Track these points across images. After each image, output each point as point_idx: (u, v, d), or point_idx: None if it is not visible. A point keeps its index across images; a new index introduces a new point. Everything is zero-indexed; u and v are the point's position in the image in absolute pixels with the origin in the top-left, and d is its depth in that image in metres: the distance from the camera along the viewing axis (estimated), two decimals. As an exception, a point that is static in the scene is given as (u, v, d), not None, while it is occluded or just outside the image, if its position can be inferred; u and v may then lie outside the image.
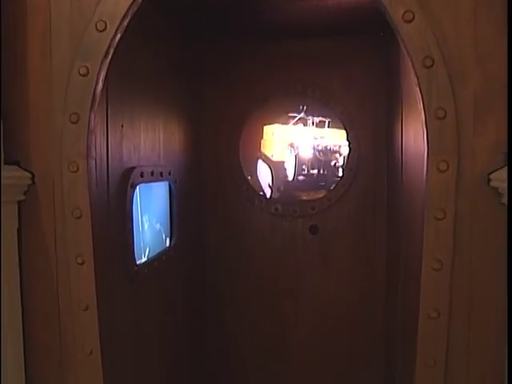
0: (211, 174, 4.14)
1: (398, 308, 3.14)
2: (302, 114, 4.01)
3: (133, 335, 2.58)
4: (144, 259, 2.78)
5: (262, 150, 4.12)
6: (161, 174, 2.98)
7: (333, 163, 4.17)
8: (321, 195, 4.04)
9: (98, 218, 2.05)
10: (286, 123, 4.09)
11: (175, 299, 3.39)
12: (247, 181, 4.11)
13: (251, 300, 4.13)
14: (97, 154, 2.09)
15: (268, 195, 4.11)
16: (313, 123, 4.07)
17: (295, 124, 4.07)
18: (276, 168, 4.15)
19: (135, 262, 2.59)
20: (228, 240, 4.16)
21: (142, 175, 2.65)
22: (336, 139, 4.05)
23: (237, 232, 4.14)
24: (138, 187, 2.61)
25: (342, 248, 4.02)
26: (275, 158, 4.15)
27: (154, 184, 2.98)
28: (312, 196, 4.07)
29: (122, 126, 2.46)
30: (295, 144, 4.08)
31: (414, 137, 2.47)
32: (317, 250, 4.05)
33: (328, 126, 4.08)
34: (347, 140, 4.01)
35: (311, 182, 4.16)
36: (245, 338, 4.15)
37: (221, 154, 4.12)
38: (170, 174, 3.16)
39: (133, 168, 2.55)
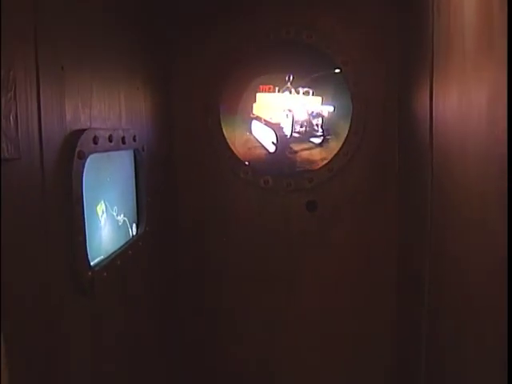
0: (187, 142, 3.41)
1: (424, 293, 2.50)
2: (288, 84, 3.37)
3: (88, 366, 1.85)
4: (100, 258, 2.04)
5: (256, 113, 3.46)
6: (122, 140, 2.22)
7: (315, 123, 3.45)
8: (313, 148, 3.42)
9: (24, 209, 1.31)
10: (272, 88, 3.44)
11: (148, 301, 2.67)
12: (230, 149, 3.38)
13: (238, 292, 3.46)
14: (18, 108, 1.34)
15: (272, 150, 3.47)
16: (297, 92, 3.41)
17: (282, 92, 3.44)
18: (275, 128, 3.48)
19: (89, 264, 1.84)
20: (209, 221, 3.46)
21: (95, 141, 1.88)
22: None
23: (219, 210, 3.45)
24: (89, 158, 1.84)
25: (344, 228, 3.37)
26: (274, 121, 3.47)
27: (113, 154, 2.22)
28: (304, 146, 3.43)
29: (63, 69, 1.68)
30: (292, 109, 3.43)
31: (460, 98, 1.74)
32: (315, 230, 3.40)
33: (312, 95, 3.39)
34: (351, 98, 3.31)
35: (303, 138, 3.45)
36: (233, 334, 3.54)
37: (197, 118, 3.39)
38: (134, 139, 2.40)
39: (81, 131, 1.78)
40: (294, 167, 3.44)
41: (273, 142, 3.44)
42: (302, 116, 3.42)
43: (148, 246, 2.59)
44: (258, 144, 3.47)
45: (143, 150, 2.55)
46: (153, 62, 2.90)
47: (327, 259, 3.35)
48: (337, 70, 3.30)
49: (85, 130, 1.81)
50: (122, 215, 2.39)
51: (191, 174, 3.41)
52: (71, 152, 1.71)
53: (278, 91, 3.40)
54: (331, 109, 3.36)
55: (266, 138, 3.47)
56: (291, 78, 3.37)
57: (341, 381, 3.44)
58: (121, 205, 2.37)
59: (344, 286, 3.37)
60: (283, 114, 3.42)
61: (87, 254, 1.82)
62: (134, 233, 2.54)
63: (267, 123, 3.44)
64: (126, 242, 2.38)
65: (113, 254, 2.17)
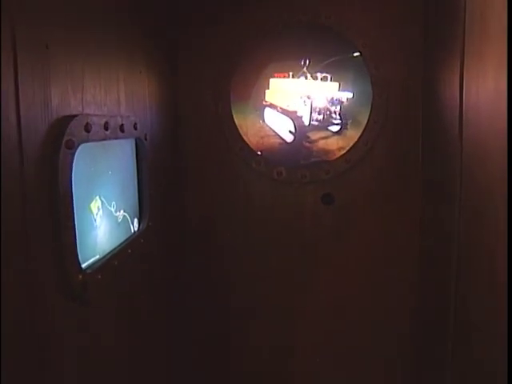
0: (195, 131, 3.19)
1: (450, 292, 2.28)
2: (304, 69, 3.13)
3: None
4: (94, 259, 1.85)
5: (269, 100, 3.22)
6: (121, 128, 2.02)
7: (333, 110, 3.20)
8: (330, 137, 3.18)
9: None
10: (286, 72, 3.19)
11: (150, 304, 2.48)
12: (241, 138, 3.17)
13: (250, 291, 3.26)
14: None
15: (289, 140, 3.22)
16: (314, 78, 3.17)
17: (298, 77, 3.19)
18: (292, 117, 3.23)
19: (80, 266, 1.65)
20: (218, 215, 3.25)
21: (87, 128, 1.68)
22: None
23: (229, 204, 3.23)
24: (81, 148, 1.64)
25: (362, 223, 3.15)
26: (291, 108, 3.23)
27: (111, 143, 2.02)
28: (321, 135, 3.19)
29: (48, 47, 1.48)
30: (310, 95, 3.18)
31: (498, 83, 1.51)
32: (331, 225, 3.17)
33: (331, 80, 3.15)
34: (371, 83, 3.07)
35: (321, 126, 3.21)
36: (245, 336, 3.33)
37: (207, 105, 3.16)
38: (135, 127, 2.20)
39: (71, 117, 1.58)
40: (309, 158, 3.21)
41: (290, 132, 3.22)
42: (320, 103, 3.18)
43: (150, 244, 2.40)
44: (272, 133, 3.25)
45: (145, 140, 2.35)
46: (158, 43, 2.70)
47: (343, 256, 3.15)
48: (356, 54, 3.07)
49: (75, 116, 1.60)
50: (121, 211, 2.20)
51: (199, 165, 3.19)
52: (58, 141, 1.51)
53: (293, 77, 3.17)
54: (350, 95, 3.13)
55: (281, 127, 3.23)
56: (307, 62, 3.14)
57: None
58: (120, 199, 2.17)
59: (360, 284, 3.15)
60: (300, 101, 3.20)
61: (77, 256, 1.62)
62: (136, 229, 2.34)
63: (284, 111, 3.22)
64: (126, 240, 2.18)
65: (110, 253, 1.98)
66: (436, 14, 2.69)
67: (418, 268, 3.03)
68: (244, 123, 3.20)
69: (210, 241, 3.24)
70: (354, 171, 3.09)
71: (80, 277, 1.64)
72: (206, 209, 3.23)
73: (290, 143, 3.21)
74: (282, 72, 3.17)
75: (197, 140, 3.18)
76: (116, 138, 1.99)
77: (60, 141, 1.51)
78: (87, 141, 1.70)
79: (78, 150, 1.63)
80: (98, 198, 1.93)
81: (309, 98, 3.18)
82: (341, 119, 3.17)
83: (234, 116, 3.16)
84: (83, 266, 1.71)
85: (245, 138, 3.17)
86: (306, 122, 3.19)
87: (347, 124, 3.15)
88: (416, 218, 3.04)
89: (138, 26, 2.36)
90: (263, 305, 3.24)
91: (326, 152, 3.19)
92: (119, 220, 2.18)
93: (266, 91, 3.20)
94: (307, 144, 3.21)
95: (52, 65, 1.50)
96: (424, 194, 2.99)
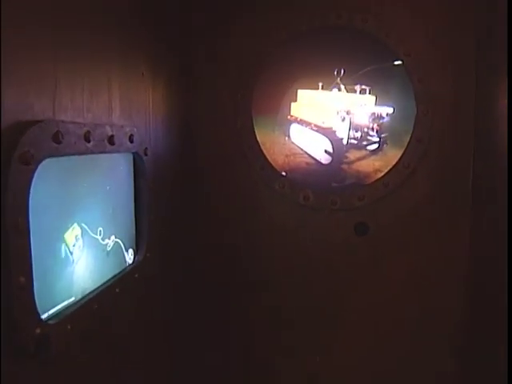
0: (210, 147, 2.81)
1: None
2: (337, 80, 2.76)
3: None
4: (67, 302, 1.47)
5: (298, 114, 2.84)
6: (110, 140, 1.65)
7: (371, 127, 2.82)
8: (365, 158, 2.79)
9: None
10: (316, 85, 2.79)
11: (143, 359, 2.08)
12: (264, 156, 2.79)
13: (269, 334, 2.85)
14: None
15: (325, 162, 2.83)
16: (350, 90, 2.79)
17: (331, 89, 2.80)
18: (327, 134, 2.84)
19: (37, 316, 1.27)
20: (234, 246, 2.84)
21: (57, 139, 1.32)
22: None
23: (247, 233, 2.83)
24: (47, 163, 1.28)
25: (403, 258, 2.72)
26: (326, 125, 2.84)
27: (100, 157, 1.66)
28: (357, 155, 2.79)
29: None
30: (351, 111, 2.80)
31: None
32: (365, 259, 2.76)
33: (369, 93, 2.78)
34: (415, 97, 2.68)
35: (357, 145, 2.82)
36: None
37: (225, 118, 2.79)
38: (131, 140, 1.83)
39: (29, 123, 1.21)
40: (341, 181, 2.81)
41: (326, 151, 2.82)
42: (361, 119, 2.80)
43: (147, 280, 2.02)
44: (299, 151, 2.86)
45: (145, 155, 1.98)
46: (167, 42, 2.34)
47: (381, 296, 2.75)
48: (397, 63, 2.69)
49: (37, 122, 1.23)
50: (112, 237, 1.82)
51: (215, 186, 2.83)
52: (7, 154, 1.14)
53: (322, 88, 2.78)
54: (390, 110, 2.74)
55: (314, 146, 2.84)
56: (341, 72, 2.75)
57: None
58: (110, 224, 1.80)
59: (400, 333, 2.72)
60: (338, 116, 2.82)
61: (34, 303, 1.24)
62: (130, 261, 1.97)
63: (318, 128, 2.83)
64: (116, 275, 1.80)
65: (91, 294, 1.60)
66: (489, 23, 2.36)
67: (469, 314, 2.61)
68: (267, 139, 2.82)
69: (224, 272, 2.83)
70: (393, 197, 2.71)
71: (38, 330, 1.26)
72: (220, 238, 2.83)
73: (325, 164, 2.82)
74: (312, 83, 2.79)
75: (212, 157, 2.81)
76: (102, 152, 1.62)
77: (10, 153, 1.14)
78: (57, 154, 1.33)
79: (42, 166, 1.25)
80: (76, 225, 1.56)
81: (348, 113, 2.80)
82: (379, 137, 2.78)
83: (256, 131, 2.79)
84: (47, 314, 1.34)
85: (267, 156, 2.80)
86: (344, 141, 2.80)
87: (386, 143, 2.76)
88: (465, 253, 2.64)
89: (141, 19, 2.01)
90: (284, 349, 2.82)
91: (361, 174, 2.79)
92: (108, 248, 1.80)
93: (293, 104, 2.82)
94: (344, 165, 2.81)
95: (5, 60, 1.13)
96: (474, 226, 2.59)
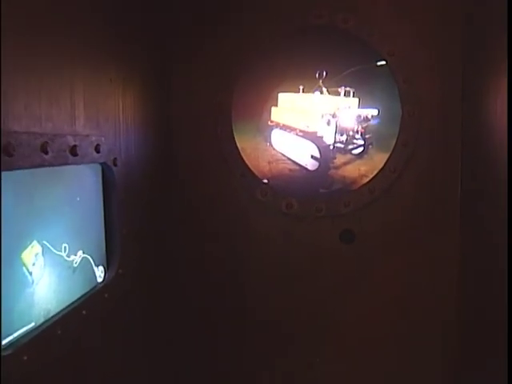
0: (189, 154, 2.71)
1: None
2: (319, 83, 2.66)
3: None
4: (26, 329, 1.34)
5: (279, 119, 2.74)
6: (72, 151, 1.52)
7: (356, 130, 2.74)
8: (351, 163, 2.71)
9: None
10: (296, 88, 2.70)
11: None
12: (244, 163, 2.69)
13: (253, 351, 2.73)
14: None
15: (312, 168, 2.73)
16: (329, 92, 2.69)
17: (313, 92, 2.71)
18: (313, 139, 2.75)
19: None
20: (214, 260, 2.73)
21: (8, 151, 1.21)
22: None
23: (228, 243, 2.72)
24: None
25: (390, 266, 2.65)
26: (311, 129, 2.74)
27: (63, 169, 1.54)
28: (342, 160, 2.70)
29: None
30: (336, 114, 2.71)
31: None
32: (352, 268, 2.68)
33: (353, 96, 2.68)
34: (400, 99, 2.60)
35: (342, 149, 2.73)
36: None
37: (204, 124, 2.69)
38: (98, 150, 1.71)
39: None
40: (328, 186, 2.72)
41: (313, 157, 2.73)
42: (347, 122, 2.70)
43: (120, 299, 1.89)
44: (282, 157, 2.77)
45: (115, 165, 1.85)
46: (141, 46, 2.22)
47: (369, 306, 2.66)
48: (381, 63, 2.61)
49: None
50: (79, 253, 1.70)
51: (194, 195, 2.72)
52: None
53: (303, 91, 2.69)
54: (375, 112, 2.66)
55: (299, 152, 2.74)
56: (323, 74, 2.66)
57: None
58: (76, 240, 1.68)
59: (390, 345, 2.63)
60: (322, 120, 2.72)
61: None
62: (100, 279, 1.84)
63: (304, 133, 2.74)
64: (84, 295, 1.68)
65: (54, 317, 1.47)
66: (477, 19, 2.32)
67: (459, 316, 2.54)
68: (248, 145, 2.73)
69: (204, 292, 2.72)
70: (379, 203, 2.63)
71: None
72: (200, 250, 2.72)
73: (311, 171, 2.73)
74: (292, 86, 2.70)
75: (191, 165, 2.71)
76: (63, 164, 1.49)
77: None
78: (8, 168, 1.21)
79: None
80: (36, 242, 1.43)
81: (334, 116, 2.71)
82: (364, 140, 2.69)
83: (236, 137, 2.69)
84: (3, 342, 1.21)
85: (248, 162, 2.70)
86: (331, 145, 2.72)
87: (370, 146, 2.68)
88: (455, 259, 2.57)
89: (110, 29, 1.89)
90: (269, 367, 2.70)
91: (347, 180, 2.71)
92: (75, 265, 1.68)
93: (274, 109, 2.73)
94: (331, 171, 2.72)
95: None
96: (463, 231, 2.51)
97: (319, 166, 2.72)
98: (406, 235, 2.61)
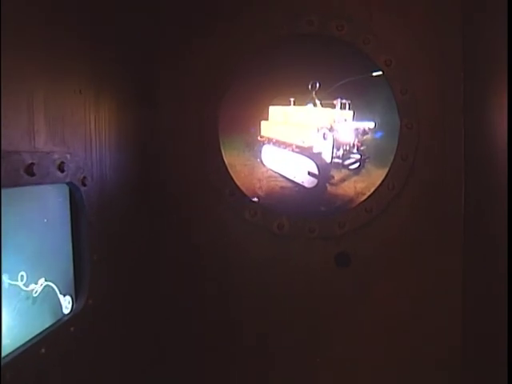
0: (173, 172, 2.55)
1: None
2: (313, 94, 2.53)
3: None
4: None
5: (271, 133, 2.63)
6: (28, 170, 1.36)
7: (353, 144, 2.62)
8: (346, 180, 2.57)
9: None
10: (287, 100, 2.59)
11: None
12: (232, 180, 2.53)
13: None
14: None
15: (309, 185, 2.60)
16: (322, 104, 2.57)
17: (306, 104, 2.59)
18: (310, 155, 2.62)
19: None
20: (200, 286, 2.55)
21: None
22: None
23: (215, 270, 2.55)
24: None
25: (389, 290, 2.47)
26: (306, 144, 2.62)
27: (19, 190, 1.38)
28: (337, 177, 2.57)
29: None
30: (334, 127, 2.59)
31: None
32: (350, 294, 2.51)
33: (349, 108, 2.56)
34: (398, 111, 2.45)
35: (339, 165, 2.60)
36: None
37: (189, 139, 2.53)
38: (62, 168, 1.54)
39: None
40: (322, 205, 2.57)
41: (310, 173, 2.60)
42: (345, 136, 2.57)
43: (88, 334, 1.70)
44: (273, 174, 2.62)
45: (83, 185, 1.68)
46: (116, 53, 2.06)
47: (367, 333, 2.48)
48: (377, 73, 2.47)
49: None
50: (40, 281, 1.54)
51: (178, 217, 2.55)
52: None
53: (294, 104, 2.57)
54: (371, 125, 2.53)
55: (294, 169, 2.60)
56: (316, 85, 2.52)
57: None
58: (37, 267, 1.52)
59: (390, 375, 2.44)
60: (319, 134, 2.59)
61: None
62: (68, 310, 1.66)
63: (300, 149, 2.61)
64: (46, 329, 1.50)
65: (4, 358, 1.30)
66: (478, 26, 2.21)
67: (461, 345, 2.37)
68: (236, 162, 2.58)
69: (190, 319, 2.54)
70: (377, 223, 2.47)
71: None
72: (184, 274, 2.54)
73: (307, 188, 2.60)
74: (283, 99, 2.58)
75: (175, 183, 2.54)
76: (15, 185, 1.32)
77: None
78: None
79: None
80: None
81: (331, 130, 2.58)
82: (360, 154, 2.57)
83: (224, 152, 2.54)
84: None
85: (236, 180, 2.54)
86: (328, 161, 2.58)
87: (367, 161, 2.54)
88: (457, 284, 2.40)
89: (77, 36, 1.73)
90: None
91: (341, 198, 2.55)
92: (35, 294, 1.51)
93: (264, 123, 2.60)
94: (329, 188, 2.58)
95: None
96: (466, 252, 2.37)
97: (318, 183, 2.58)
98: (405, 258, 2.45)
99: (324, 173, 2.57)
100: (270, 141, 2.62)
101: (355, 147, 2.56)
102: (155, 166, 2.47)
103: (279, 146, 2.64)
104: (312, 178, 2.59)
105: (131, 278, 2.16)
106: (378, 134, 2.53)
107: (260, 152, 2.60)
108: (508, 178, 1.73)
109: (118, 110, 2.06)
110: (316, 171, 2.58)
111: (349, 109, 2.54)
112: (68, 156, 1.59)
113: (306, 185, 2.60)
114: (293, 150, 2.63)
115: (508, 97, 1.71)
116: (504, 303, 1.70)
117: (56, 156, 1.52)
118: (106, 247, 1.85)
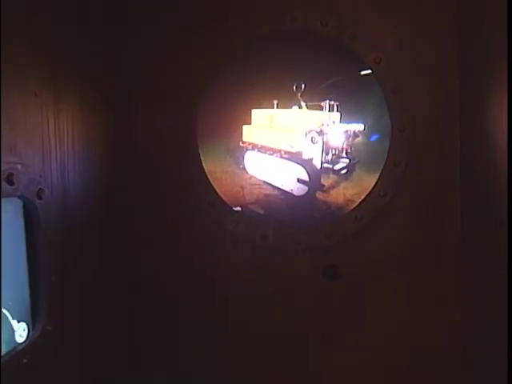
0: (147, 180, 2.39)
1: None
2: (298, 96, 2.40)
3: None
4: None
5: (250, 139, 2.49)
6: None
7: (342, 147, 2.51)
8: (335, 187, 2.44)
9: None
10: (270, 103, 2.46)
11: None
12: (213, 188, 2.38)
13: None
14: None
15: (299, 193, 2.47)
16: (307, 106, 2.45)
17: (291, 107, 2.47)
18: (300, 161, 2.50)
19: None
20: (176, 304, 2.39)
21: None
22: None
23: (193, 282, 2.38)
24: None
25: (381, 305, 2.33)
26: (295, 149, 2.49)
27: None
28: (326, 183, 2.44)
29: None
30: (324, 131, 2.47)
31: None
32: (337, 309, 2.36)
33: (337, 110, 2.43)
34: (389, 112, 2.32)
35: (327, 170, 2.48)
36: None
37: (165, 145, 2.38)
38: (10, 180, 1.37)
39: None
40: (305, 215, 2.42)
41: (300, 180, 2.45)
42: (335, 140, 2.45)
43: (46, 366, 1.52)
44: (257, 181, 2.48)
45: (39, 198, 1.51)
46: (82, 53, 1.90)
47: (356, 354, 2.34)
48: (366, 72, 2.35)
49: None
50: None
51: (153, 230, 2.39)
52: None
53: (277, 106, 2.44)
54: (360, 127, 2.40)
55: (282, 176, 2.47)
56: (302, 86, 2.38)
57: None
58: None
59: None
60: (307, 138, 2.45)
61: None
62: (23, 339, 1.49)
63: (289, 155, 2.47)
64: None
65: None
66: (475, 20, 2.09)
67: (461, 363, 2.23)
68: (218, 169, 2.44)
69: (162, 345, 2.37)
70: (368, 233, 2.33)
71: None
72: (159, 291, 2.38)
73: (294, 197, 2.46)
74: (265, 101, 2.44)
75: (148, 193, 2.38)
76: None
77: None
78: None
79: None
80: None
81: (320, 133, 2.45)
82: (349, 159, 2.45)
83: (204, 159, 2.39)
84: None
85: (217, 188, 2.40)
86: (318, 166, 2.45)
87: (356, 166, 2.42)
88: (456, 297, 2.27)
89: (31, 33, 1.56)
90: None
91: (329, 207, 2.41)
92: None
93: (247, 127, 2.45)
94: (320, 195, 2.44)
95: None
96: (465, 264, 2.24)
97: (308, 190, 2.44)
98: (398, 270, 2.30)
99: (315, 179, 2.44)
100: (254, 146, 2.49)
101: (344, 151, 2.43)
102: (127, 175, 2.30)
103: (265, 152, 2.50)
104: (302, 186, 2.46)
105: (96, 300, 1.96)
106: (369, 137, 2.40)
107: (243, 158, 2.46)
108: (508, 186, 1.61)
109: (82, 113, 1.89)
110: (306, 178, 2.44)
111: (337, 111, 2.40)
112: (19, 167, 1.42)
113: (296, 193, 2.46)
114: (281, 156, 2.48)
115: (508, 97, 1.59)
116: (504, 317, 1.61)
117: (5, 167, 1.35)
118: (68, 267, 1.68)
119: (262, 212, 2.43)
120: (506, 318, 1.60)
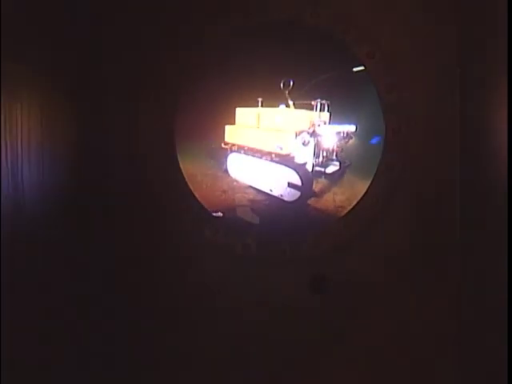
0: (123, 183, 2.29)
1: None
2: (286, 94, 2.29)
3: None
4: None
5: (234, 140, 2.38)
6: None
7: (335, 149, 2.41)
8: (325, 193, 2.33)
9: None
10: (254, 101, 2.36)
11: None
12: (190, 192, 2.27)
13: None
14: None
15: (290, 198, 2.35)
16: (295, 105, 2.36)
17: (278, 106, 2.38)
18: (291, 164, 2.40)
19: None
20: (150, 318, 2.26)
21: None
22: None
23: (169, 296, 2.26)
24: None
25: (375, 319, 2.22)
26: (285, 151, 2.38)
27: None
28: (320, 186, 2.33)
29: None
30: (316, 131, 2.37)
31: None
32: (324, 323, 2.24)
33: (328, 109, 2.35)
34: (383, 112, 2.22)
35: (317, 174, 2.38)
36: None
37: (142, 147, 2.28)
38: None
39: None
40: (291, 222, 2.29)
41: (291, 185, 2.32)
42: (327, 141, 2.36)
43: None
44: (242, 184, 2.37)
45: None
46: (45, 44, 1.79)
47: (345, 373, 2.22)
48: (358, 68, 2.25)
49: None
50: None
51: (126, 237, 2.28)
52: None
53: (262, 105, 2.33)
54: (352, 128, 2.28)
55: (270, 180, 2.35)
56: (290, 84, 2.26)
57: None
58: None
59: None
60: (297, 139, 2.34)
61: None
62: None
63: (279, 157, 2.34)
64: None
65: None
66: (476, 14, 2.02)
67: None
68: (198, 171, 2.34)
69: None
70: (358, 242, 2.22)
71: None
72: (133, 305, 2.25)
73: (284, 202, 2.33)
74: (250, 99, 2.32)
75: (120, 198, 2.27)
76: None
77: None
78: None
79: None
80: None
81: (313, 134, 2.34)
82: (339, 162, 2.34)
83: (182, 161, 2.29)
84: None
85: (197, 192, 2.29)
86: (309, 169, 2.35)
87: (346, 169, 2.32)
88: (454, 309, 2.17)
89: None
90: None
91: (318, 213, 2.29)
92: None
93: (229, 127, 2.34)
94: (310, 201, 2.33)
95: None
96: (464, 274, 2.14)
97: (300, 195, 2.32)
98: (392, 282, 2.21)
99: (307, 184, 2.32)
100: (240, 148, 2.38)
101: (334, 153, 2.33)
102: (95, 177, 2.19)
103: (252, 155, 2.39)
104: (293, 191, 2.34)
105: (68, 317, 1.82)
106: (362, 139, 2.30)
107: (226, 160, 2.35)
108: (508, 186, 1.58)
109: (43, 111, 1.75)
110: (298, 182, 2.32)
111: (328, 110, 2.29)
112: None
113: (286, 198, 2.34)
114: (271, 159, 2.36)
115: (508, 97, 1.54)
116: (504, 322, 1.57)
117: None
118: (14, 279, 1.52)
119: (244, 218, 2.29)
120: (506, 322, 1.56)
